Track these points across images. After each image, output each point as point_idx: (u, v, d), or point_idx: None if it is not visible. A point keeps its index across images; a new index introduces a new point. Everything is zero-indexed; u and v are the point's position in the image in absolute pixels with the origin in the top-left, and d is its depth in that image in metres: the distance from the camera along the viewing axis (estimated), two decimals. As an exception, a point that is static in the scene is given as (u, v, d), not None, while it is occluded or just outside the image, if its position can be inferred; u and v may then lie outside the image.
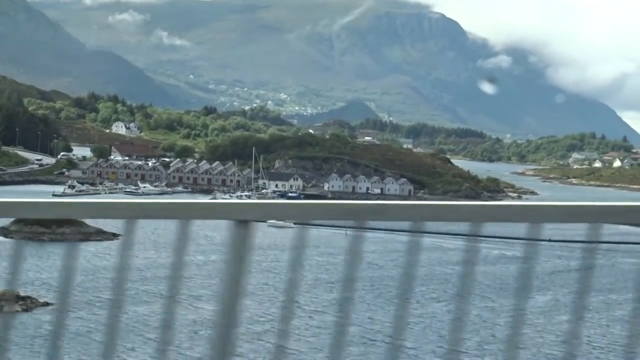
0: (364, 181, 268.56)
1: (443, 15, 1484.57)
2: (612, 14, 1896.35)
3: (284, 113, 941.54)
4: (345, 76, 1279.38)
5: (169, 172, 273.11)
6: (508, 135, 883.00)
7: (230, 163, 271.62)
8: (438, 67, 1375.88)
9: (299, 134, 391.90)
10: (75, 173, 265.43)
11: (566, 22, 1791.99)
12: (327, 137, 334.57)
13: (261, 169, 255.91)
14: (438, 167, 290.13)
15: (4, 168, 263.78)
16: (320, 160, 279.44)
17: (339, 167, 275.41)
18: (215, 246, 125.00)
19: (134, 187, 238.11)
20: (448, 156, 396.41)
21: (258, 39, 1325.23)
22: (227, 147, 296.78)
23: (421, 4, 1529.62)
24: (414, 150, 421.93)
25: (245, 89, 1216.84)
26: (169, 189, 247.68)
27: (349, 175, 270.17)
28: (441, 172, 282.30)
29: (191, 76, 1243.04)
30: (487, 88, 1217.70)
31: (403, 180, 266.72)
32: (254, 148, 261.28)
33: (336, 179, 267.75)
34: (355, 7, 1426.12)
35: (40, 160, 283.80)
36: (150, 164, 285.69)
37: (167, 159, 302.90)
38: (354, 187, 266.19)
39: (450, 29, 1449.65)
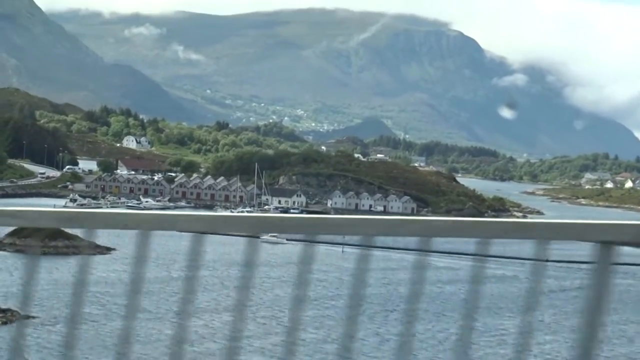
0: (367, 198, 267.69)
1: (461, 33, 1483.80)
2: (631, 34, 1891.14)
3: (300, 129, 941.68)
4: (363, 93, 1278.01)
5: (172, 186, 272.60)
6: (524, 155, 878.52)
7: (235, 179, 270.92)
8: (455, 85, 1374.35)
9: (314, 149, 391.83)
10: (79, 187, 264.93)
11: (584, 42, 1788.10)
12: (333, 154, 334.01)
13: (264, 184, 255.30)
14: (442, 185, 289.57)
15: (15, 180, 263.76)
16: (325, 177, 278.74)
17: (343, 184, 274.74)
18: (204, 262, 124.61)
19: (136, 202, 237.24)
20: (460, 175, 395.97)
21: (275, 54, 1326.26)
22: (232, 162, 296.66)
23: (439, 21, 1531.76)
24: (425, 168, 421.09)
25: (262, 104, 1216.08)
26: (171, 204, 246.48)
27: (353, 193, 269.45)
28: (445, 191, 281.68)
29: (208, 91, 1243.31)
30: (506, 113, 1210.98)
31: (406, 198, 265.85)
32: (256, 164, 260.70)
33: (339, 196, 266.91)
34: (372, 24, 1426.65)
35: (43, 173, 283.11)
36: (155, 178, 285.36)
37: (172, 174, 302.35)
38: (357, 204, 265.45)
39: (468, 46, 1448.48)
